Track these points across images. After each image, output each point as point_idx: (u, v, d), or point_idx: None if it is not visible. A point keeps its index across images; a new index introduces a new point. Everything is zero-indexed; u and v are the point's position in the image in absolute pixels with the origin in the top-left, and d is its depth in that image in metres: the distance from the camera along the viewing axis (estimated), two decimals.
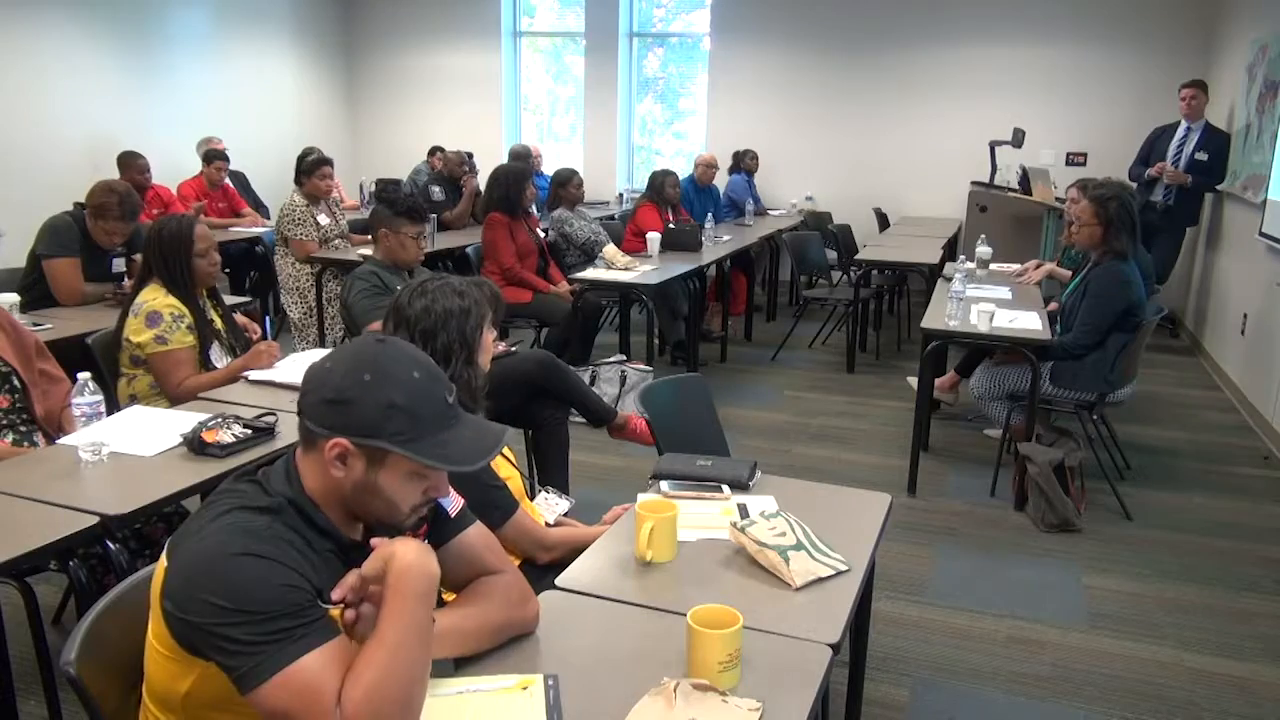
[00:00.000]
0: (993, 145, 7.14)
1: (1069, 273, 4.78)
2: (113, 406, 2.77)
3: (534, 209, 5.85)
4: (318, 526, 1.30)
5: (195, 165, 6.96)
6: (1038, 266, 5.12)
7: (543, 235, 5.67)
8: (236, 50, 8.35)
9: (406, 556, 1.23)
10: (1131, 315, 3.80)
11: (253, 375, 2.88)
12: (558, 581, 1.74)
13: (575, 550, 1.93)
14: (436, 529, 1.52)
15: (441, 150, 7.64)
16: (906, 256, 6.02)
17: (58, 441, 2.41)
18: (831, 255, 7.14)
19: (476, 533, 1.57)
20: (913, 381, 4.87)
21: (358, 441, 1.26)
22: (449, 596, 1.56)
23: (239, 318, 3.30)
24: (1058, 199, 6.46)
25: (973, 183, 7.34)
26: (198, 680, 1.22)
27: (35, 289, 3.76)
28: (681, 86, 9.55)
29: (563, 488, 2.90)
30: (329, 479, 1.29)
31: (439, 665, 1.81)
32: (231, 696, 1.18)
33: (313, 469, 1.31)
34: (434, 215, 5.66)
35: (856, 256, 6.21)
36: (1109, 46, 7.52)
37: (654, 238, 5.70)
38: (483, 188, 6.20)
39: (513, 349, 3.29)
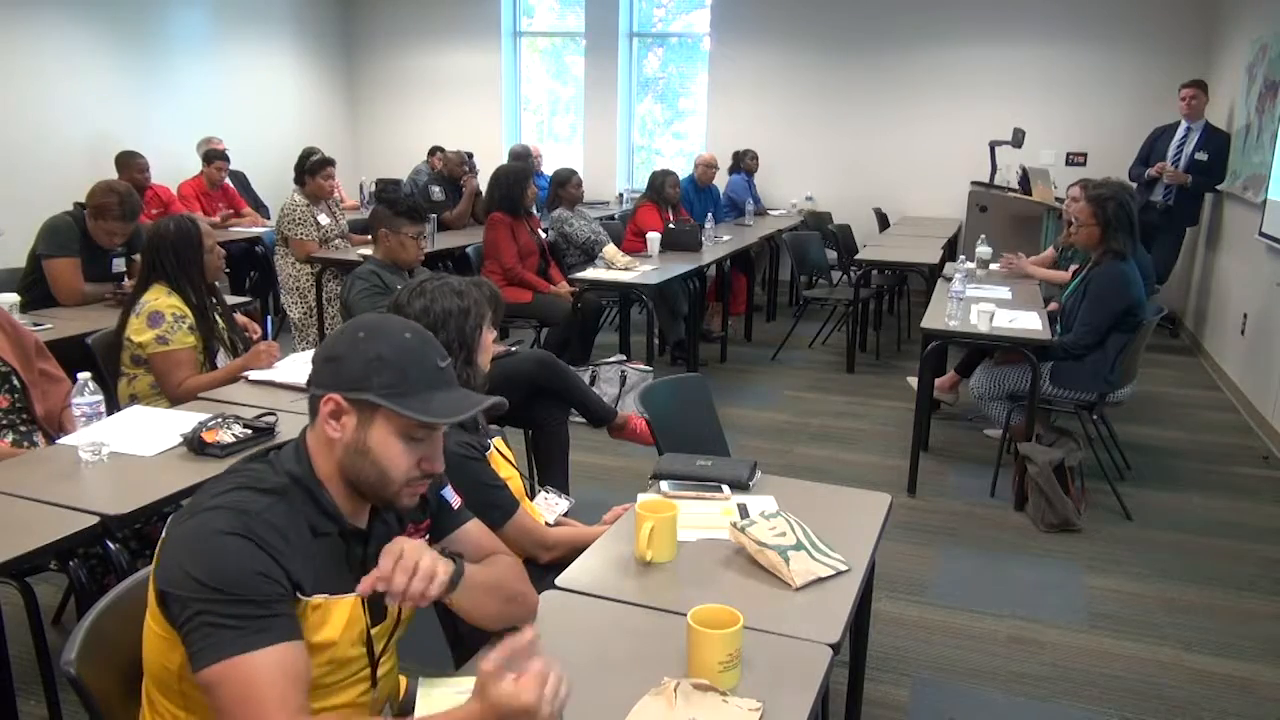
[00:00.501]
0: (993, 145, 7.14)
1: (1064, 274, 4.78)
2: (113, 406, 2.77)
3: (534, 209, 5.86)
4: (322, 508, 1.31)
5: (195, 165, 6.96)
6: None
7: (543, 235, 5.67)
8: (236, 50, 8.34)
9: (512, 700, 1.11)
10: (1131, 315, 3.80)
11: (253, 375, 2.88)
12: (558, 581, 1.74)
13: (575, 550, 1.93)
14: (441, 519, 1.55)
15: (441, 150, 7.64)
16: (906, 256, 6.02)
17: (58, 441, 2.41)
18: (831, 255, 7.13)
19: (475, 524, 1.61)
20: (913, 381, 4.87)
21: (348, 395, 1.29)
22: None
23: (239, 318, 3.30)
24: (1058, 199, 6.46)
25: (973, 183, 7.34)
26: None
27: (35, 289, 3.76)
28: (681, 86, 9.54)
29: (563, 488, 2.90)
30: (329, 447, 1.31)
31: (439, 663, 1.81)
32: None
33: (318, 442, 1.33)
34: (434, 215, 5.66)
35: (856, 256, 6.21)
36: (1109, 46, 7.52)
37: (654, 238, 5.70)
38: (483, 188, 6.20)
39: (513, 349, 3.29)
